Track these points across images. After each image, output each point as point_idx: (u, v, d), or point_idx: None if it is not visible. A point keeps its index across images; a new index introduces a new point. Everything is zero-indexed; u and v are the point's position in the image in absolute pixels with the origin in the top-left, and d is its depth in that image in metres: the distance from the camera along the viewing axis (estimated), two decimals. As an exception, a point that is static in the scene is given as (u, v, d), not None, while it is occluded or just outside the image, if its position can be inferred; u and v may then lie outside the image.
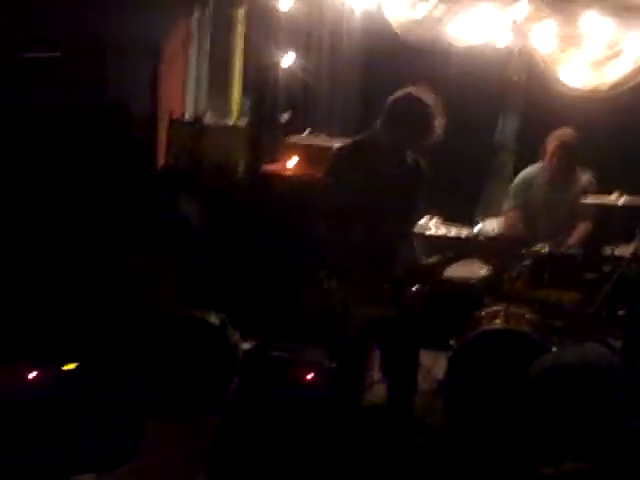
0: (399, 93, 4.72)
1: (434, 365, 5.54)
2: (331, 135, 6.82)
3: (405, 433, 4.75)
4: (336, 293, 4.72)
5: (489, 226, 6.31)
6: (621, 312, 5.37)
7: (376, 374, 5.29)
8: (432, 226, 6.04)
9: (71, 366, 4.39)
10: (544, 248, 5.66)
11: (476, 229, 6.24)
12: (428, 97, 4.65)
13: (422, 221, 5.92)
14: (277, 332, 5.30)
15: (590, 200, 5.89)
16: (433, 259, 5.22)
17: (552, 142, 6.19)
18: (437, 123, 4.60)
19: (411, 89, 4.72)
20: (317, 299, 4.86)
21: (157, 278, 5.46)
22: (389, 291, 4.77)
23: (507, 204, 6.39)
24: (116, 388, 3.90)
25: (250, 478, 4.28)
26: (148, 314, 3.95)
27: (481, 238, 5.88)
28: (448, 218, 6.36)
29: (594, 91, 6.40)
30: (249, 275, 5.93)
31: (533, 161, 6.42)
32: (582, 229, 6.15)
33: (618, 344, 5.34)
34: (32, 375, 4.31)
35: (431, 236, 5.92)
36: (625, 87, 6.37)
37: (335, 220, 4.68)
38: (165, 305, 4.34)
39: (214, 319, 2.04)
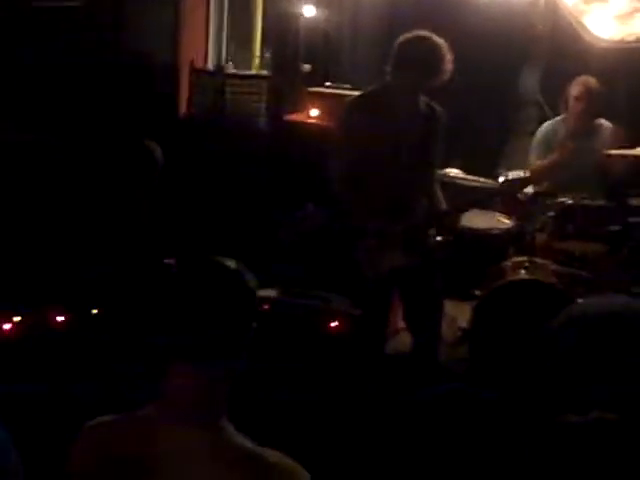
0: (405, 35, 4.65)
1: (458, 314, 5.54)
2: (353, 86, 6.77)
3: (429, 380, 4.75)
4: (357, 244, 4.72)
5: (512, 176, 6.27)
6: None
7: (400, 322, 5.30)
8: (454, 175, 6.03)
9: (97, 311, 4.39)
10: (568, 200, 5.66)
11: (499, 180, 6.22)
12: (435, 38, 4.59)
13: (445, 170, 5.90)
14: (301, 281, 5.29)
15: (615, 151, 5.84)
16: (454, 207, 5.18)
17: (574, 87, 6.11)
18: (446, 62, 4.53)
19: (417, 31, 4.67)
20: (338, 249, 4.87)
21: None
22: (409, 239, 4.75)
23: (530, 158, 6.35)
24: (138, 333, 3.90)
25: (271, 425, 4.28)
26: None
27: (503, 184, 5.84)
28: (470, 170, 6.35)
29: (621, 42, 6.35)
30: (268, 224, 5.91)
31: (557, 114, 6.37)
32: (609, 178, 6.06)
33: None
34: (61, 319, 4.32)
35: (454, 184, 5.90)
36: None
37: (350, 172, 4.63)
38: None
39: (231, 263, 2.03)
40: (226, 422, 1.97)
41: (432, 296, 4.86)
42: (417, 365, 4.83)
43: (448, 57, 4.55)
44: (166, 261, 4.13)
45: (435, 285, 4.86)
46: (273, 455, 1.95)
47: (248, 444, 1.96)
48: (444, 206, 4.92)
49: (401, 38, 4.67)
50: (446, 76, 4.57)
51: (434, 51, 4.54)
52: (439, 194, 4.93)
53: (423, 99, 4.74)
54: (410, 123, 4.69)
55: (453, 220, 5.11)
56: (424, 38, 4.60)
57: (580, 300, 4.93)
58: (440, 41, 4.57)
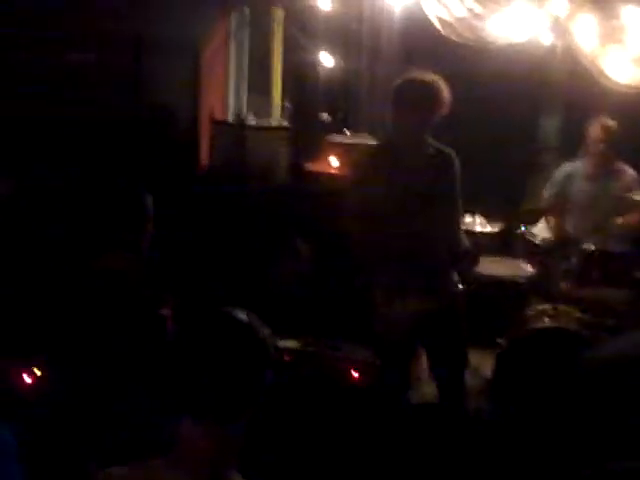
0: (398, 80, 4.74)
1: (481, 363, 5.50)
2: (372, 135, 6.80)
3: (458, 432, 4.71)
4: (375, 295, 4.69)
5: (534, 225, 6.27)
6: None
7: (422, 371, 5.27)
8: (477, 223, 6.02)
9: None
10: (591, 246, 5.64)
11: (522, 228, 6.21)
12: (426, 75, 4.64)
13: (468, 219, 5.90)
14: (324, 332, 5.28)
15: (636, 195, 5.82)
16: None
17: (593, 128, 6.15)
18: (441, 96, 4.57)
19: (408, 73, 4.74)
20: (361, 300, 4.85)
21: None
22: (429, 283, 4.70)
23: (544, 193, 6.34)
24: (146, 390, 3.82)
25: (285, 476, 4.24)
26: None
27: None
28: (491, 218, 6.33)
29: (639, 87, 6.35)
30: (296, 274, 5.92)
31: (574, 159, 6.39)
32: (632, 220, 6.02)
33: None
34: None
35: (476, 233, 5.90)
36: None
37: (366, 225, 4.61)
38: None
39: (242, 316, 2.02)
40: (235, 474, 1.97)
41: (457, 345, 4.82)
42: (444, 415, 4.80)
43: (443, 90, 4.59)
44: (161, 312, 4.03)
45: (460, 334, 4.83)
46: None
47: None
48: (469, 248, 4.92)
49: (394, 83, 4.74)
50: (445, 109, 4.59)
51: (427, 88, 4.58)
52: (464, 240, 4.90)
53: (433, 143, 4.70)
54: (417, 169, 4.64)
55: (473, 260, 5.12)
56: (417, 77, 4.66)
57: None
58: (432, 77, 4.63)
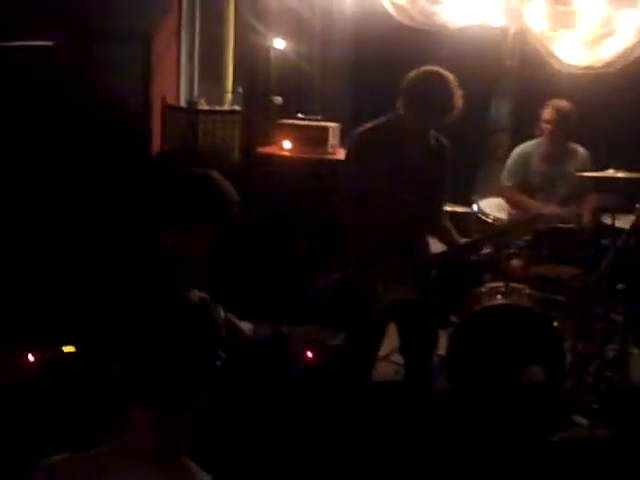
0: (417, 72, 4.59)
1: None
2: (325, 117, 6.82)
3: (421, 410, 4.72)
4: (361, 278, 4.67)
5: (487, 206, 6.33)
6: (620, 286, 5.38)
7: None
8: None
9: (71, 349, 4.31)
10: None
11: (475, 207, 6.27)
12: (444, 74, 4.56)
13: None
14: (292, 316, 5.26)
15: (589, 174, 5.88)
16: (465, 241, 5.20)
17: (545, 110, 6.24)
18: (457, 98, 4.52)
19: (428, 67, 4.62)
20: (334, 284, 4.85)
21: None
22: (416, 274, 4.74)
23: (504, 179, 6.39)
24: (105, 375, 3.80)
25: (238, 462, 4.21)
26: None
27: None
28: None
29: (588, 69, 6.40)
30: (254, 259, 5.90)
31: (528, 140, 6.43)
32: (582, 202, 6.15)
33: (619, 318, 5.35)
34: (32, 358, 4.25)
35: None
36: (619, 65, 6.37)
37: (360, 207, 4.61)
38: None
39: (196, 297, 1.97)
40: (185, 459, 1.94)
41: (431, 329, 4.85)
42: (408, 394, 4.81)
43: (459, 93, 4.53)
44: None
45: (434, 318, 4.86)
46: None
47: None
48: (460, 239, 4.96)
49: (412, 74, 4.60)
50: (458, 112, 4.55)
51: (446, 88, 4.50)
52: (451, 228, 4.96)
53: (433, 133, 4.72)
54: (417, 161, 4.67)
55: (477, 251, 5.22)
56: (435, 75, 4.56)
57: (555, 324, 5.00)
58: (450, 76, 4.55)
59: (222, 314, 2.00)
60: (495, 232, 5.64)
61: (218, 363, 1.94)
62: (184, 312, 1.92)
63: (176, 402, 1.90)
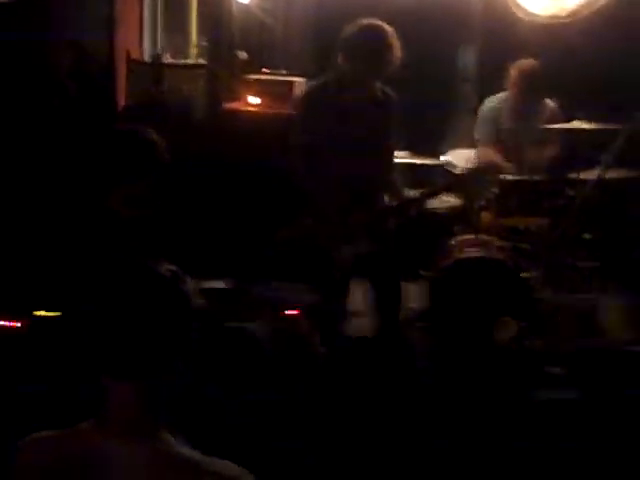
0: (352, 26, 4.68)
1: (406, 296, 5.57)
2: (289, 72, 6.77)
3: (396, 363, 4.79)
4: (320, 231, 4.75)
5: (456, 157, 6.34)
6: (587, 235, 5.46)
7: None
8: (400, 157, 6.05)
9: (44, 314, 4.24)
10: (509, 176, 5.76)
11: (443, 159, 6.29)
12: (382, 26, 4.62)
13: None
14: (257, 272, 5.27)
15: (555, 126, 5.92)
16: (416, 193, 5.28)
17: (513, 73, 6.22)
18: (395, 50, 4.58)
19: (363, 20, 4.69)
20: (298, 238, 4.89)
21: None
22: (373, 226, 4.80)
23: (476, 134, 6.40)
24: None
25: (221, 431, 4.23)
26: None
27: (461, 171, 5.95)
28: (415, 152, 6.37)
29: (553, 17, 6.43)
30: (219, 214, 5.88)
31: (495, 90, 6.44)
32: (550, 154, 6.18)
33: (585, 265, 5.43)
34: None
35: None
36: (583, 14, 6.40)
37: (311, 162, 4.71)
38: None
39: (164, 269, 1.95)
40: (166, 433, 1.93)
41: (395, 279, 4.92)
42: (383, 346, 4.87)
43: (396, 44, 4.58)
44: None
45: (397, 269, 4.96)
46: (215, 463, 1.89)
47: (189, 453, 1.91)
48: (405, 193, 5.01)
49: (348, 28, 4.67)
50: (397, 64, 4.62)
51: (381, 40, 4.56)
52: (399, 181, 5.04)
53: (378, 85, 4.78)
54: (362, 114, 4.75)
55: (419, 207, 5.22)
56: (370, 27, 4.62)
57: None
58: (388, 29, 4.60)
59: (191, 285, 1.98)
60: (443, 186, 5.70)
61: (192, 334, 1.94)
62: (151, 284, 1.91)
63: (148, 374, 1.90)
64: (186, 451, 1.91)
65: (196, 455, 1.90)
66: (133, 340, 1.87)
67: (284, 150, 4.95)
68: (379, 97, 4.80)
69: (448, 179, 6.07)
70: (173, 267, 1.97)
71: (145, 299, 1.89)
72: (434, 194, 5.42)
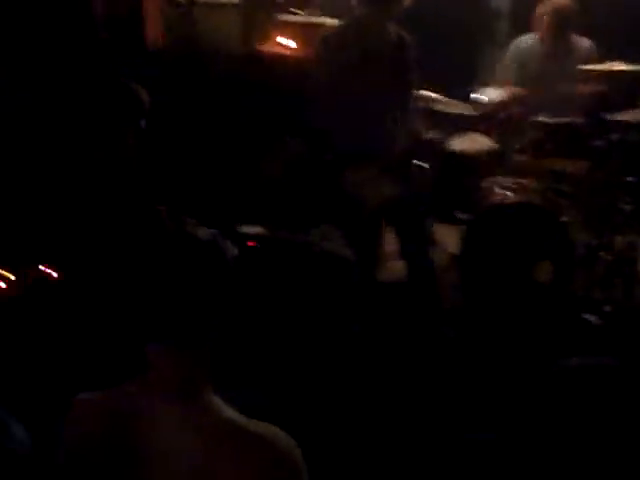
0: None
1: (444, 238, 5.58)
2: (325, 14, 6.68)
3: (429, 309, 4.82)
4: (346, 177, 4.85)
5: (487, 95, 6.22)
6: (630, 178, 5.40)
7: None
8: (432, 98, 5.99)
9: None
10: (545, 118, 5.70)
11: (473, 97, 6.18)
12: None
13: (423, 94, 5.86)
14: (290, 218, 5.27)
15: (591, 67, 5.83)
16: (434, 133, 5.37)
17: (542, 8, 6.10)
18: None
19: None
20: (325, 183, 4.99)
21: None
22: (395, 169, 4.91)
23: (504, 73, 6.31)
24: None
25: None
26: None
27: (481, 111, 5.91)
28: (445, 90, 6.31)
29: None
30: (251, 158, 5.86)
31: (528, 28, 6.32)
32: (585, 95, 6.03)
33: (628, 208, 5.37)
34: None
35: (434, 110, 5.90)
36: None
37: (331, 102, 4.94)
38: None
39: (204, 234, 1.98)
40: (211, 394, 1.98)
41: (418, 225, 4.98)
42: (416, 293, 4.92)
43: None
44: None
45: (419, 213, 5.08)
46: (259, 426, 1.94)
47: (234, 416, 1.96)
48: (423, 134, 5.12)
49: None
50: (407, 2, 4.96)
51: None
52: (416, 121, 5.31)
53: (393, 29, 5.07)
54: (379, 55, 5.02)
55: (436, 148, 5.28)
56: None
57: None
58: None
59: (231, 248, 2.01)
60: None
61: (233, 297, 1.98)
62: (192, 249, 1.94)
63: (192, 338, 1.94)
64: (232, 413, 1.96)
65: (241, 418, 1.96)
66: (177, 304, 1.91)
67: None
68: (394, 39, 5.05)
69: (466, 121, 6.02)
70: (214, 231, 2.00)
71: (188, 264, 1.92)
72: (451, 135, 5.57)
